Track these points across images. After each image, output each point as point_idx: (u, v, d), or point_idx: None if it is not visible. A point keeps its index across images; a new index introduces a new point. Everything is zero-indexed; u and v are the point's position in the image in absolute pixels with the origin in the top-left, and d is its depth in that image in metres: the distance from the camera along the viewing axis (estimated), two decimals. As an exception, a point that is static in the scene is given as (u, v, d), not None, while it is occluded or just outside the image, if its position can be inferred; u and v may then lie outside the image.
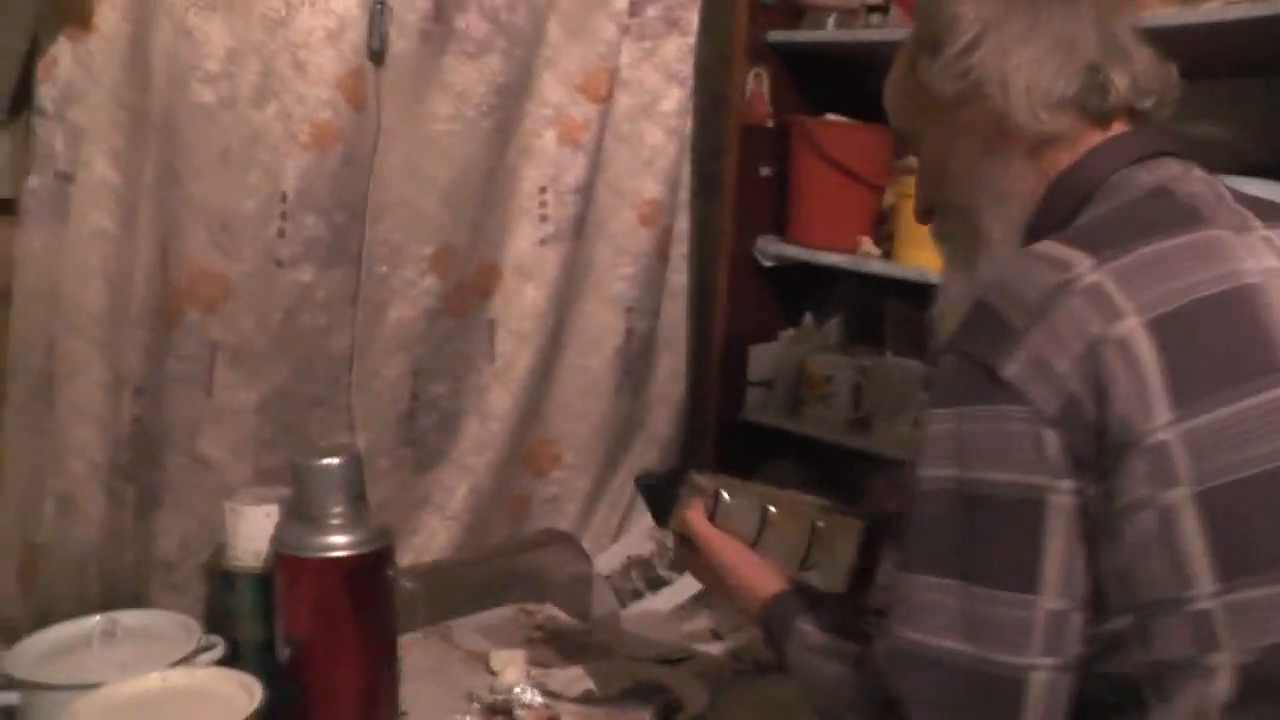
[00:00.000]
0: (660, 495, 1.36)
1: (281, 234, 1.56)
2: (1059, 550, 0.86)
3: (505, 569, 1.92)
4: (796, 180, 2.07)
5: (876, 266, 1.93)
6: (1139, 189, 0.96)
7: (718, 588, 1.29)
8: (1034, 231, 0.99)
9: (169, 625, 1.39)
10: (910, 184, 1.49)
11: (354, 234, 1.64)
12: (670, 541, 1.43)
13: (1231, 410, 0.85)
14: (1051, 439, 0.85)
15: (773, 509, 1.29)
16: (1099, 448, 0.84)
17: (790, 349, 2.17)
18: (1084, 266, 0.87)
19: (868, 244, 1.98)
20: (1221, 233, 0.91)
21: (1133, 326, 0.85)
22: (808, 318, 2.19)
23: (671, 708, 1.52)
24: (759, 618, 1.18)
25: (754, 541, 1.28)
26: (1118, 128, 1.01)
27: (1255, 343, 0.87)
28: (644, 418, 2.13)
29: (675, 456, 2.17)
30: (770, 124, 2.09)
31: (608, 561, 2.00)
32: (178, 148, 1.46)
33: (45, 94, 1.38)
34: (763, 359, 2.18)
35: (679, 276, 2.13)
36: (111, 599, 1.48)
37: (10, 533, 1.45)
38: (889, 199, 1.98)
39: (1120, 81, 0.99)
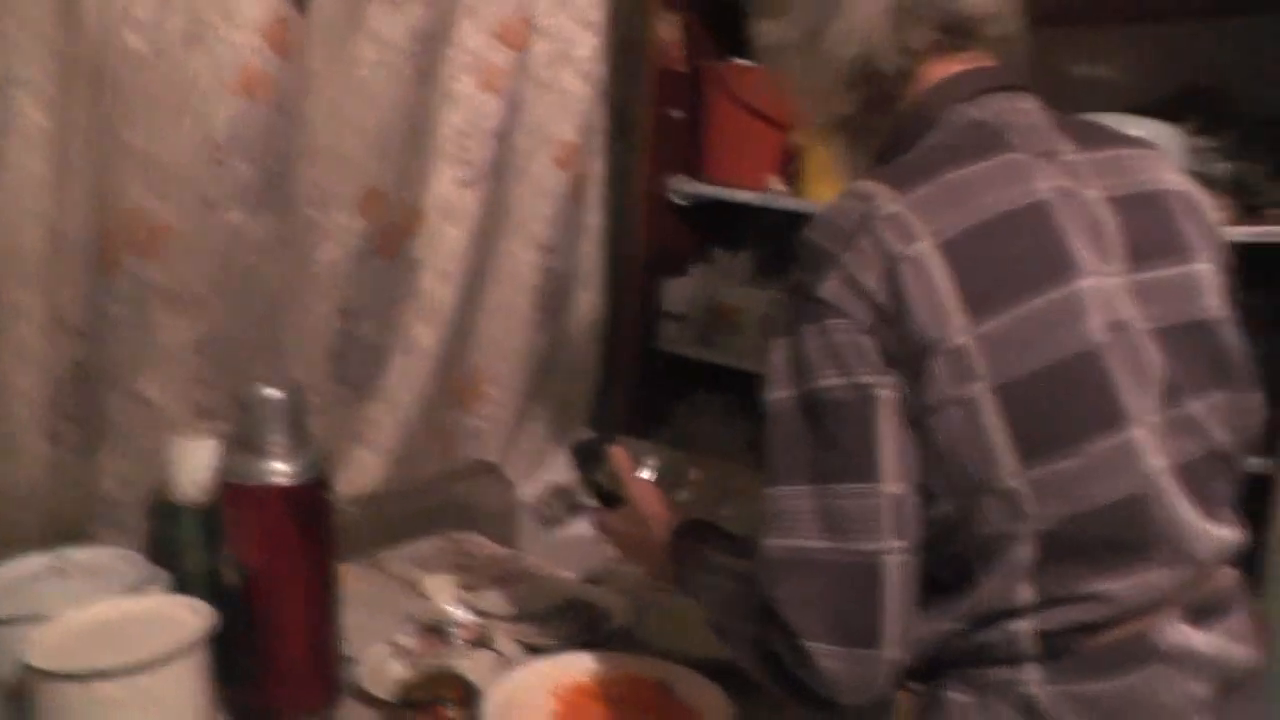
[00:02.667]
0: (590, 457, 1.42)
1: (214, 178, 1.59)
2: (891, 439, 0.95)
3: (433, 500, 1.99)
4: (708, 122, 2.15)
5: (785, 203, 2.01)
6: (958, 123, 1.05)
7: (634, 538, 1.33)
8: (882, 162, 1.09)
9: (117, 560, 1.42)
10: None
11: (284, 178, 1.68)
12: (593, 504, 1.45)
13: (1021, 313, 0.95)
14: (868, 344, 0.95)
15: (697, 463, 1.40)
16: (906, 352, 0.94)
17: (703, 283, 2.24)
18: (886, 198, 0.97)
19: (776, 182, 2.06)
20: (1019, 156, 1.01)
21: (926, 248, 0.94)
22: (719, 253, 2.26)
23: (598, 620, 1.61)
24: (668, 543, 1.25)
25: (675, 492, 1.38)
26: (954, 62, 1.08)
27: (1042, 252, 0.98)
28: (563, 351, 2.21)
29: (594, 388, 2.25)
30: (683, 68, 2.16)
31: (531, 490, 2.07)
32: (110, 95, 1.48)
33: (-26, 42, 1.38)
34: (677, 293, 2.26)
35: (594, 217, 2.20)
36: (55, 537, 1.50)
37: (-46, 474, 1.47)
38: (796, 139, 2.06)
39: (888, 60, 1.08)
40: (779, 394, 0.99)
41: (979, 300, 0.94)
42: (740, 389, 2.20)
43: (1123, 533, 0.97)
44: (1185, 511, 0.99)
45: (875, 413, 0.95)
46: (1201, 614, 1.01)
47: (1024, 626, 0.97)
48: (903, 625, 0.96)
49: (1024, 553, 0.96)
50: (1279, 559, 1.53)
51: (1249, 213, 1.67)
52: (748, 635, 1.03)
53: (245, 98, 1.59)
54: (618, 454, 1.37)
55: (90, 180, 1.48)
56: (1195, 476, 1.01)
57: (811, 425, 0.97)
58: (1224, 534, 1.03)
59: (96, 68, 1.46)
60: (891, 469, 0.95)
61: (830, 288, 0.96)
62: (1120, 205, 1.03)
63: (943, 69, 1.08)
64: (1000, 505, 0.95)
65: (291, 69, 1.65)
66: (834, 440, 0.96)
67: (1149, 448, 0.97)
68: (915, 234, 0.95)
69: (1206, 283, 1.06)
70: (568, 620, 1.60)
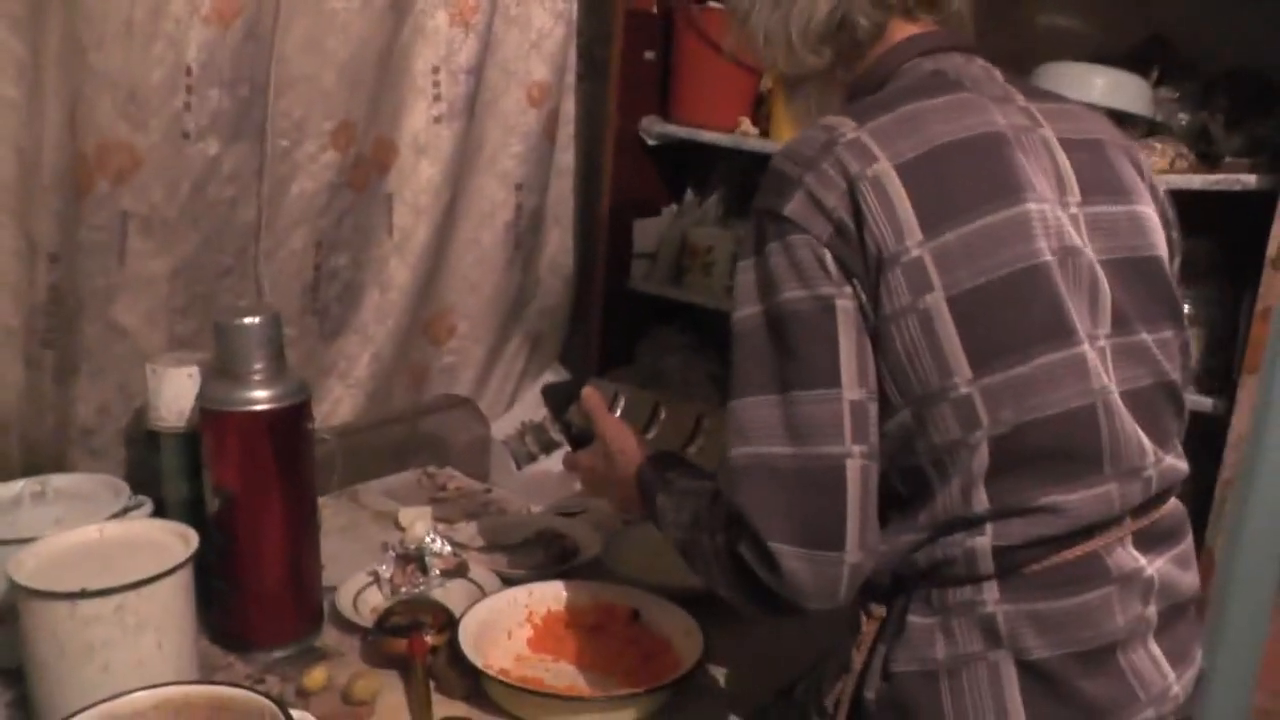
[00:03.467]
0: (563, 398, 1.47)
1: (187, 107, 1.59)
2: (851, 347, 0.99)
3: (407, 434, 2.01)
4: (679, 63, 2.16)
5: (754, 144, 2.04)
6: (917, 73, 1.11)
7: (602, 473, 1.36)
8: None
9: (97, 486, 1.42)
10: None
11: (258, 108, 1.68)
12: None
13: (973, 228, 0.99)
14: (829, 258, 0.99)
15: (665, 404, 1.42)
16: (865, 265, 0.99)
17: (673, 223, 2.27)
18: (848, 128, 1.02)
19: (746, 124, 2.08)
20: (976, 96, 1.07)
21: (884, 168, 0.99)
22: (689, 193, 2.29)
23: (569, 551, 1.63)
24: (636, 474, 1.28)
25: (645, 431, 1.41)
26: (912, 25, 1.14)
27: (994, 175, 1.02)
28: (535, 289, 2.23)
29: (565, 325, 2.27)
30: (654, 9, 2.17)
31: (503, 426, 2.10)
32: (80, 18, 1.47)
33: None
34: (647, 232, 2.28)
35: (566, 156, 2.22)
36: (34, 464, 1.52)
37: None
38: (766, 82, 2.08)
39: (862, 12, 1.12)
40: (746, 312, 1.03)
41: (933, 216, 0.99)
42: (710, 327, 2.23)
43: (1073, 444, 1.01)
44: (1134, 430, 1.03)
45: (835, 322, 0.99)
46: (1151, 541, 1.06)
47: (982, 542, 1.00)
48: (865, 530, 1.00)
49: (979, 460, 0.99)
50: (1229, 495, 1.59)
51: (1207, 161, 1.71)
52: (715, 549, 1.07)
53: (218, 25, 1.59)
54: (590, 393, 1.39)
55: (63, 105, 1.47)
56: (1144, 404, 1.05)
57: (775, 337, 1.01)
58: (1173, 461, 1.08)
59: (69, -9, 1.45)
60: (851, 376, 0.99)
61: (793, 207, 1.00)
62: (1070, 146, 1.08)
63: (903, 31, 1.13)
64: (955, 412, 0.99)
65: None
66: (796, 349, 1.00)
67: (1099, 368, 1.01)
68: (874, 156, 1.00)
69: (1150, 224, 1.11)
70: (540, 551, 1.63)
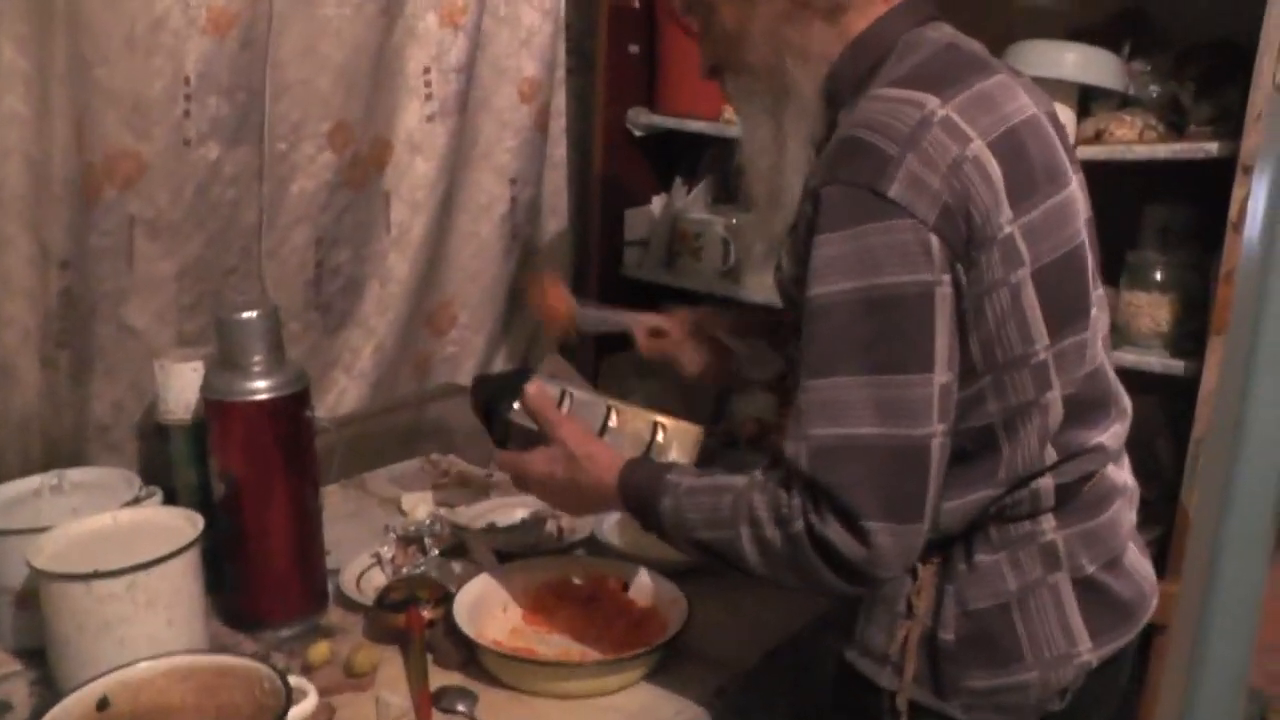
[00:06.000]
0: (497, 394, 1.33)
1: (187, 114, 1.65)
2: (945, 333, 1.02)
3: (411, 422, 2.08)
4: (663, 56, 2.21)
5: (738, 131, 2.08)
6: (934, 44, 1.13)
7: (561, 480, 1.26)
8: (835, 82, 1.16)
9: (111, 478, 1.50)
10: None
11: (256, 113, 1.74)
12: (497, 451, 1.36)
13: (1046, 206, 1.08)
14: (934, 241, 1.00)
15: (618, 408, 1.32)
16: (967, 245, 1.03)
17: (663, 210, 2.31)
18: (934, 104, 1.03)
19: (730, 112, 2.13)
20: (1007, 77, 1.12)
21: (980, 147, 1.03)
22: (678, 181, 2.32)
23: (563, 531, 1.70)
24: (619, 485, 1.21)
25: (598, 435, 1.30)
26: None
27: (1050, 155, 1.11)
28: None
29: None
30: (637, 4, 2.21)
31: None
32: (84, 34, 1.52)
33: (-52, -14, 1.43)
34: (638, 220, 2.33)
35: (558, 149, 2.27)
36: (53, 460, 1.59)
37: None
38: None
39: None
40: (835, 286, 1.02)
41: (1018, 194, 1.05)
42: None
43: (1102, 391, 1.17)
44: (1114, 373, 1.21)
45: (934, 308, 1.02)
46: (1121, 456, 1.23)
47: (1046, 483, 1.12)
48: (937, 499, 1.06)
49: (1054, 416, 1.10)
50: (1202, 454, 1.63)
51: (1176, 131, 1.75)
52: (767, 539, 1.07)
53: (214, 35, 1.65)
54: (537, 392, 1.30)
55: (69, 118, 1.53)
56: (1107, 344, 1.20)
57: (871, 319, 1.01)
58: (1122, 389, 1.23)
59: (71, 9, 1.51)
60: (944, 361, 1.03)
61: (897, 188, 1.00)
62: (1052, 120, 1.16)
63: (875, 7, 1.16)
64: (1033, 376, 1.08)
65: (259, 8, 1.70)
66: (895, 334, 1.01)
67: (1099, 318, 1.17)
68: (968, 135, 1.03)
69: (1084, 187, 1.20)
70: (535, 531, 1.69)
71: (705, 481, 1.15)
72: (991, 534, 1.13)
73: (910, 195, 1.00)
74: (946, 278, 1.02)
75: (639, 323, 1.56)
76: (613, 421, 1.31)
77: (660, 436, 1.31)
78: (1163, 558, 1.65)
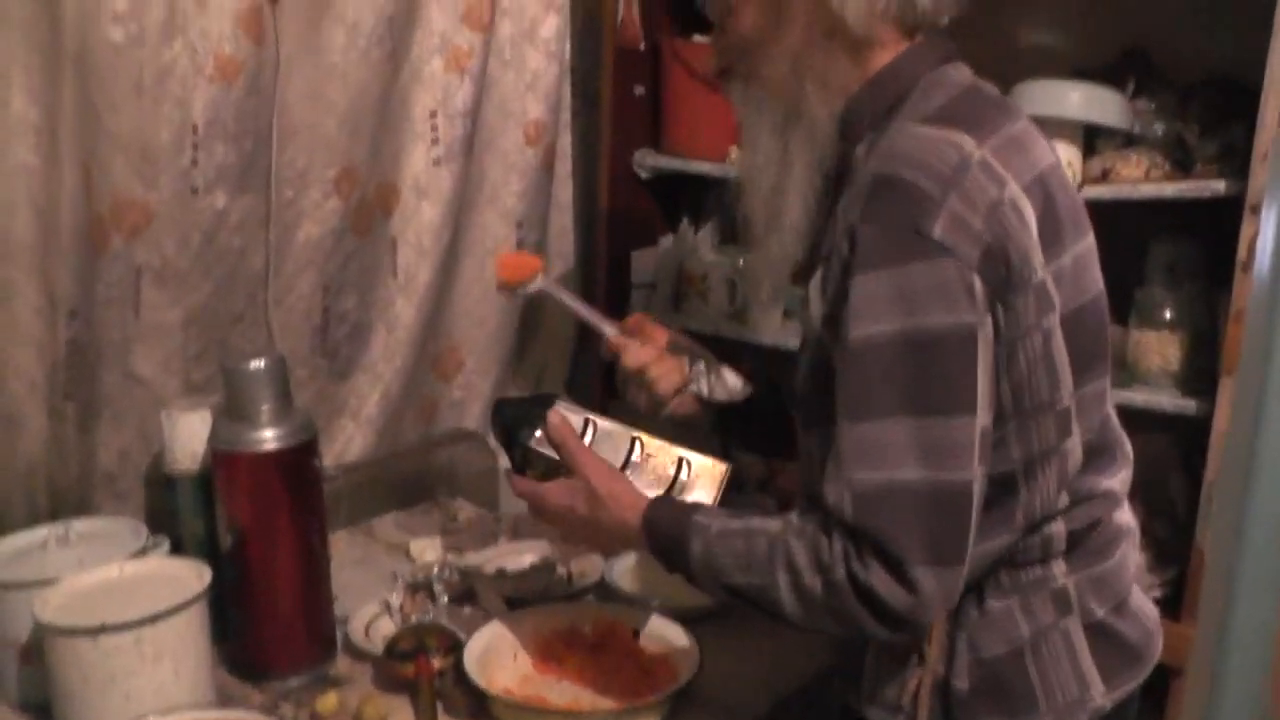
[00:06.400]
0: (518, 419, 1.29)
1: (195, 162, 1.65)
2: (987, 374, 1.02)
3: (418, 467, 2.07)
4: (668, 97, 2.22)
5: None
6: (958, 85, 1.13)
7: (581, 514, 1.22)
8: (852, 115, 1.14)
9: (118, 528, 1.49)
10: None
11: (262, 160, 1.74)
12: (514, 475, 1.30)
13: (1074, 252, 1.09)
14: (977, 283, 0.99)
15: (643, 440, 1.28)
16: (1006, 287, 1.02)
17: (670, 252, 2.32)
18: (970, 145, 1.03)
19: (736, 152, 2.13)
20: (1028, 124, 1.13)
21: (1017, 191, 1.03)
22: (684, 222, 2.33)
23: (573, 576, 1.69)
24: (644, 525, 1.16)
25: (622, 469, 1.26)
26: (919, 37, 1.16)
27: (1073, 203, 1.12)
28: (539, 322, 2.28)
29: (569, 356, 2.33)
30: (642, 46, 2.22)
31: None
32: (93, 84, 1.53)
33: (-39, 38, 1.43)
34: (645, 262, 2.33)
35: (565, 191, 2.27)
36: (59, 509, 1.59)
37: (-42, 452, 1.54)
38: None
39: (924, 2, 1.13)
40: (876, 328, 1.00)
41: (1049, 239, 1.05)
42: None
43: (1113, 439, 1.19)
44: (1116, 418, 1.22)
45: (977, 350, 1.00)
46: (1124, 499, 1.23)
47: (1058, 528, 1.12)
48: (974, 543, 1.04)
49: (1073, 462, 1.11)
50: (1215, 495, 1.62)
51: (1182, 169, 1.75)
52: (807, 586, 1.04)
53: (221, 83, 1.66)
54: (559, 422, 1.25)
55: (78, 167, 1.54)
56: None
57: (914, 361, 1.00)
58: (1124, 434, 1.23)
59: (80, 59, 1.52)
60: (985, 403, 1.02)
61: (940, 228, 0.99)
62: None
63: (897, 45, 1.14)
64: (1056, 422, 1.08)
65: (265, 55, 1.71)
66: (938, 376, 1.00)
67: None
68: (1004, 178, 1.03)
69: None
70: (545, 576, 1.67)
71: (737, 525, 1.11)
72: (1003, 579, 1.13)
73: (954, 236, 0.99)
74: (988, 320, 1.01)
75: (613, 324, 1.46)
76: (637, 455, 1.27)
77: (685, 473, 1.27)
78: (1178, 599, 1.64)
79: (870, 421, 1.01)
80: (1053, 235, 1.06)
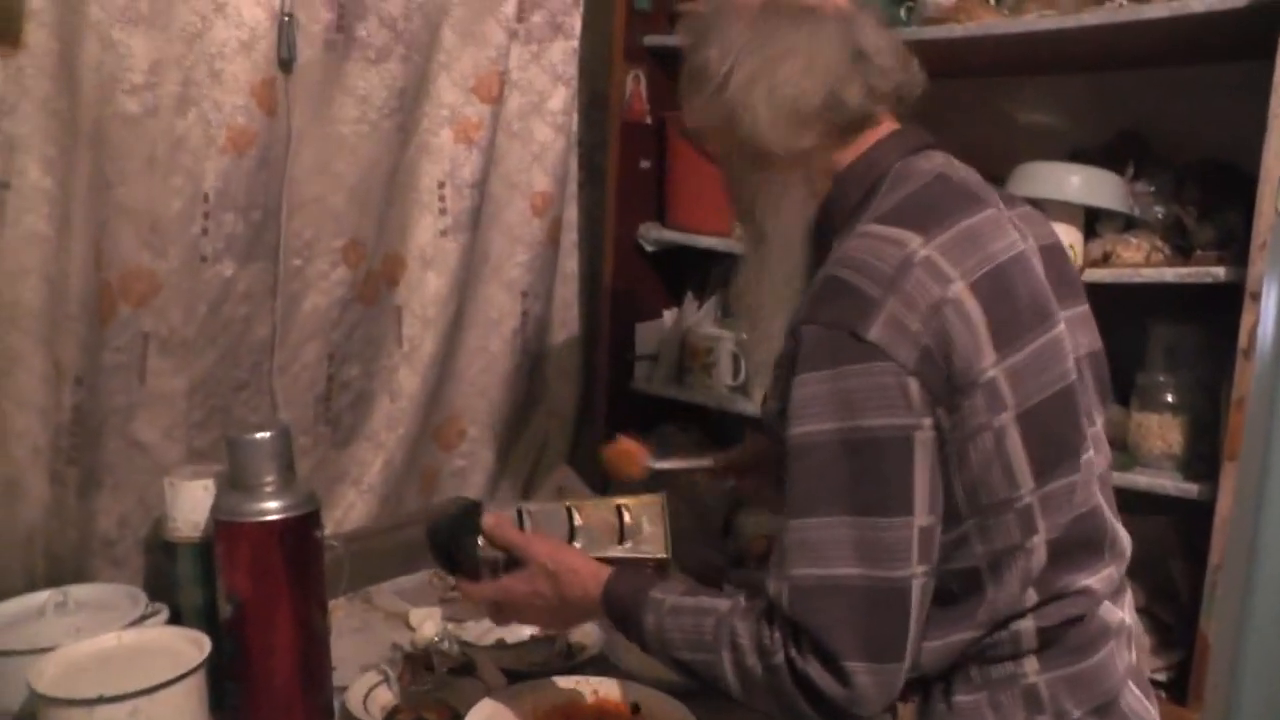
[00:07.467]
0: (455, 536, 1.33)
1: (205, 232, 1.67)
2: (925, 477, 1.02)
3: (418, 536, 2.05)
4: (673, 171, 2.23)
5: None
6: (924, 175, 1.13)
7: (543, 597, 1.24)
8: (827, 216, 1.16)
9: (116, 595, 1.48)
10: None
11: (270, 230, 1.77)
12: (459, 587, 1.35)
13: (1032, 348, 1.06)
14: (913, 386, 1.00)
15: (577, 506, 1.33)
16: (948, 388, 1.02)
17: (674, 325, 2.32)
18: (916, 244, 1.03)
19: (739, 229, 2.15)
20: (997, 211, 1.12)
21: (961, 289, 1.03)
22: (689, 296, 2.33)
23: (573, 648, 1.67)
24: (603, 597, 1.19)
25: (570, 541, 1.31)
26: (887, 122, 1.17)
27: (1036, 295, 1.09)
28: (542, 393, 2.29)
29: (572, 427, 2.33)
30: (648, 120, 2.25)
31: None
32: (107, 155, 1.56)
33: (-21, 108, 1.46)
34: (649, 335, 2.33)
35: (570, 262, 2.30)
36: (57, 575, 1.57)
37: (-42, 516, 1.53)
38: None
39: (853, 95, 1.13)
40: (814, 427, 1.02)
41: (1003, 336, 1.04)
42: (711, 425, 2.28)
43: (1094, 535, 1.13)
44: (1112, 513, 1.17)
45: (913, 452, 1.01)
46: (1118, 595, 1.18)
47: (1028, 626, 1.09)
48: (917, 638, 1.04)
49: (1037, 560, 1.08)
50: (1219, 581, 1.61)
51: (1181, 254, 1.77)
52: (748, 668, 1.06)
53: (233, 154, 1.68)
54: (496, 522, 1.29)
55: (88, 236, 1.56)
56: (1106, 484, 1.17)
57: (850, 461, 1.01)
58: (1122, 529, 1.19)
59: (96, 130, 1.54)
60: (924, 504, 1.02)
61: (878, 332, 1.00)
62: (1044, 254, 1.16)
63: (886, 124, 1.17)
64: (1017, 520, 1.06)
65: (277, 126, 1.74)
66: (873, 477, 1.01)
67: (1093, 460, 1.13)
68: (949, 276, 1.03)
69: (1091, 318, 1.21)
70: (544, 649, 1.66)
71: (689, 601, 1.13)
72: (972, 674, 1.11)
73: (890, 338, 1.00)
74: (927, 421, 1.02)
75: (713, 458, 1.56)
76: (578, 520, 1.32)
77: (628, 518, 1.33)
78: (1183, 683, 1.62)
79: (810, 518, 1.03)
80: (1008, 331, 1.05)
